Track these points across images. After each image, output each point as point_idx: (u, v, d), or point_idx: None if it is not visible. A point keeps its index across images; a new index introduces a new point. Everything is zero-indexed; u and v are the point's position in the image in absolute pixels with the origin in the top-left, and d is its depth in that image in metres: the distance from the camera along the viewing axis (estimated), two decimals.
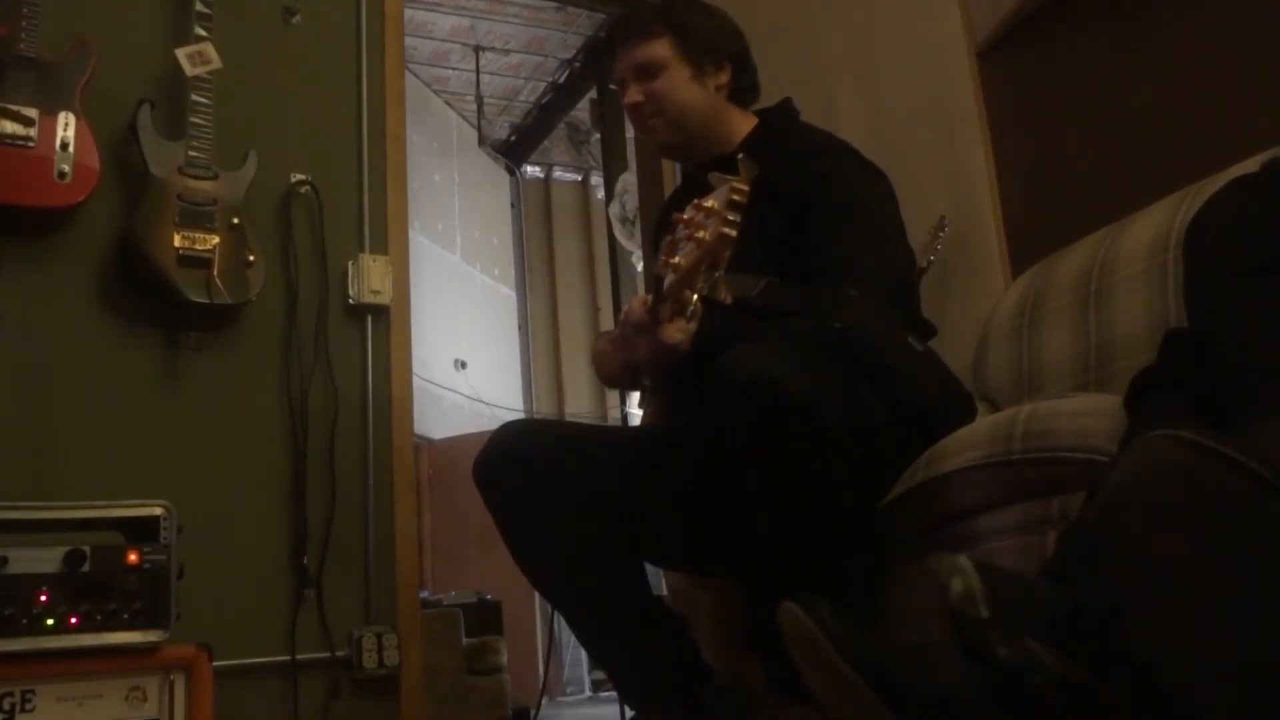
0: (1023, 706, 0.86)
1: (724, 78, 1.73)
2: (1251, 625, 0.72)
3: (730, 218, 1.14)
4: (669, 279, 1.24)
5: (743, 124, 1.75)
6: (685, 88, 1.70)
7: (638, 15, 1.76)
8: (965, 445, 1.32)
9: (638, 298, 1.41)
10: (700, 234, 1.16)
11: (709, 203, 1.17)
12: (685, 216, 1.20)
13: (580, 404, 8.85)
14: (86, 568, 1.57)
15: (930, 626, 0.93)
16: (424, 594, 5.19)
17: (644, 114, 1.72)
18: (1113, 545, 0.81)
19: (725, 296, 1.19)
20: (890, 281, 1.54)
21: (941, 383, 1.52)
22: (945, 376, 1.54)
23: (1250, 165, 1.33)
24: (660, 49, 1.70)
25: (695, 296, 1.21)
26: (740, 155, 1.21)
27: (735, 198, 1.15)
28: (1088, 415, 1.21)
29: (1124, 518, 0.79)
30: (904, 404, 1.38)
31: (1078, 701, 0.85)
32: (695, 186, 1.72)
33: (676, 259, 1.20)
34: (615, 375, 1.77)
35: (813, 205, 1.56)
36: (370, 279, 2.51)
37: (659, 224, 1.93)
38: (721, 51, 1.74)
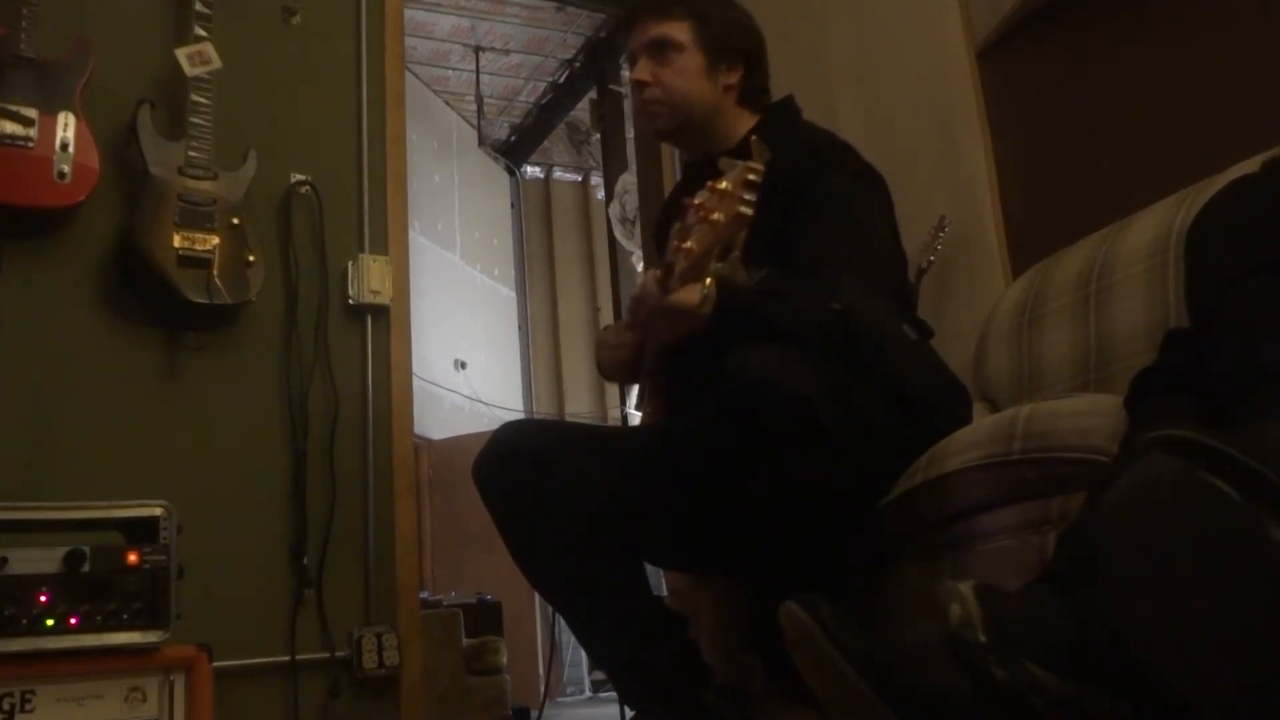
0: (1024, 717, 0.87)
1: (734, 77, 1.72)
2: (1258, 637, 0.72)
3: (746, 197, 1.11)
4: (680, 264, 1.21)
5: (745, 123, 1.73)
6: (695, 78, 1.69)
7: None
8: (965, 445, 1.32)
9: (650, 273, 1.37)
10: (715, 215, 1.13)
11: (723, 185, 1.14)
12: (697, 201, 1.17)
13: (580, 404, 8.85)
14: (86, 568, 1.57)
15: (930, 629, 0.94)
16: (424, 594, 5.20)
17: (647, 96, 1.70)
18: (1112, 561, 0.82)
19: (742, 277, 1.17)
20: (877, 274, 1.54)
21: (935, 372, 1.52)
22: (939, 367, 1.54)
23: (1250, 165, 1.33)
24: (678, 30, 1.69)
25: (709, 280, 1.19)
26: (754, 138, 1.19)
27: (751, 177, 1.12)
28: (1088, 415, 1.21)
29: (1121, 532, 0.80)
30: (899, 392, 1.38)
31: None
32: (695, 182, 1.71)
33: (689, 243, 1.18)
34: (617, 370, 1.77)
35: (806, 199, 1.56)
36: (370, 279, 2.51)
37: (659, 222, 1.92)
38: (737, 49, 1.72)
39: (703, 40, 1.69)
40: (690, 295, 1.24)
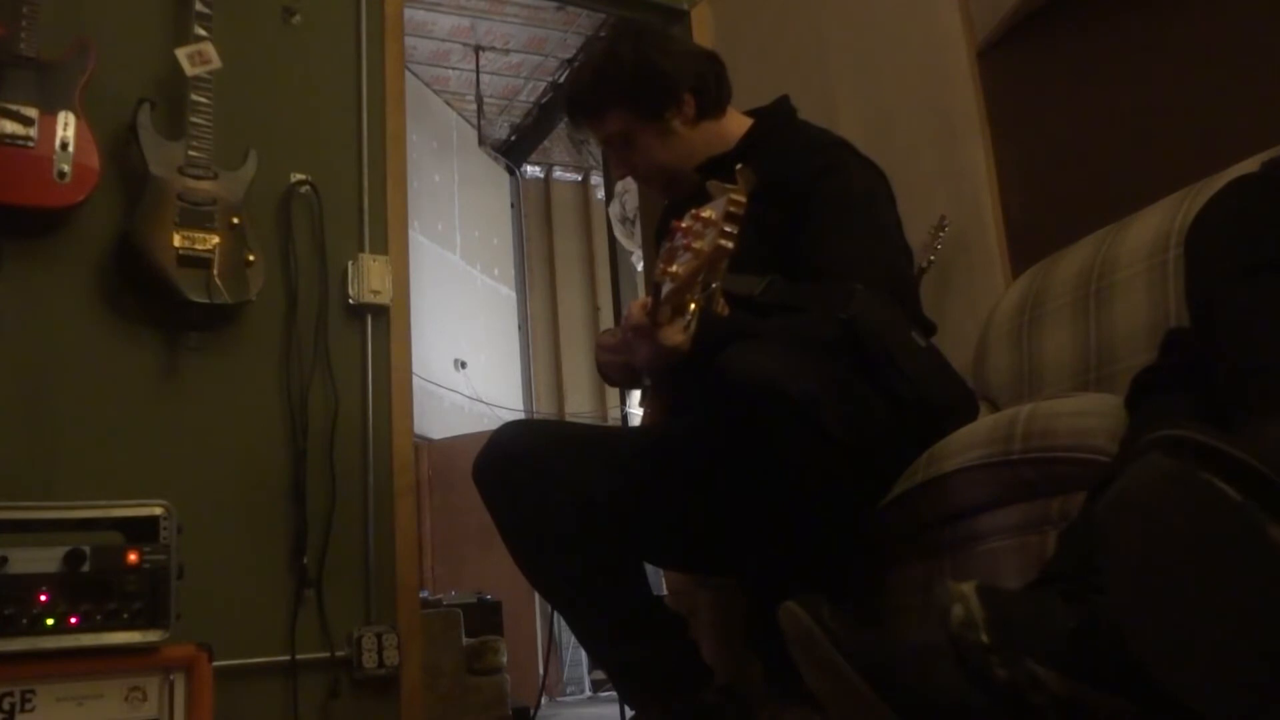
0: (1024, 714, 0.87)
1: (689, 110, 1.66)
2: (1257, 635, 0.72)
3: (728, 229, 1.14)
4: (666, 287, 1.23)
5: (736, 126, 1.72)
6: (661, 146, 1.67)
7: (582, 94, 1.70)
8: (965, 445, 1.32)
9: (637, 301, 1.39)
10: (698, 244, 1.16)
11: (707, 213, 1.16)
12: (683, 225, 1.19)
13: (580, 404, 8.84)
14: (86, 568, 1.57)
15: (932, 630, 0.94)
16: (424, 594, 5.19)
17: (639, 179, 1.78)
18: (1112, 560, 0.82)
19: (722, 309, 1.19)
20: (891, 276, 1.54)
21: (946, 378, 1.51)
22: (949, 372, 1.53)
23: (1250, 165, 1.33)
24: (616, 122, 1.67)
25: (693, 304, 1.21)
26: (739, 166, 1.20)
27: (733, 209, 1.14)
28: (1088, 415, 1.21)
29: (1121, 531, 0.80)
30: (908, 399, 1.38)
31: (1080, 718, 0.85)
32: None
33: (675, 268, 1.19)
34: (617, 374, 1.77)
35: (811, 201, 1.55)
36: (370, 279, 2.51)
37: (660, 226, 1.92)
38: (677, 90, 1.65)
39: (643, 113, 1.65)
40: (674, 337, 1.28)
